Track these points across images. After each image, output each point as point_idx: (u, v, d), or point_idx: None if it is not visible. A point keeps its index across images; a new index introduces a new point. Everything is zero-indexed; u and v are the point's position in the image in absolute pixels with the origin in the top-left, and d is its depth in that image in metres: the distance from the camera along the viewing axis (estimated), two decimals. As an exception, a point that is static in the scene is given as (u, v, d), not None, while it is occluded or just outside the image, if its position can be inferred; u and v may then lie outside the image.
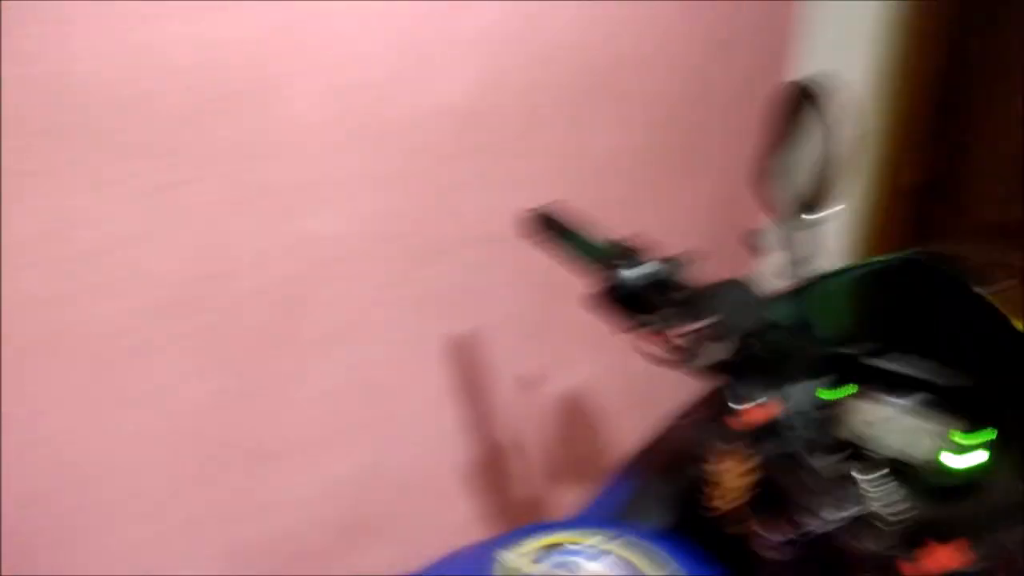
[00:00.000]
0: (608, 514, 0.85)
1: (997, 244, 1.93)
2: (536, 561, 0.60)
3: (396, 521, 1.39)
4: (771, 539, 0.67)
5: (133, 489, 1.06)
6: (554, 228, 0.96)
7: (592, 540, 0.62)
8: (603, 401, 1.73)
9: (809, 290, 0.89)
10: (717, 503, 0.74)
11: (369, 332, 1.27)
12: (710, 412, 0.92)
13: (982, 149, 1.97)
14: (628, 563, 0.60)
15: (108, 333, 0.99)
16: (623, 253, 0.86)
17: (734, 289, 0.75)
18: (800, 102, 0.83)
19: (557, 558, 0.60)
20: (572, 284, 1.56)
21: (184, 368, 1.07)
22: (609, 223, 0.94)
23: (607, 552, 0.61)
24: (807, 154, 0.84)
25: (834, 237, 2.07)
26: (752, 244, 0.76)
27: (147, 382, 1.04)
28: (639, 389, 1.80)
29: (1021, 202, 1.93)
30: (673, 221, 1.81)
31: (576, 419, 1.68)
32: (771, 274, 0.84)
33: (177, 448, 1.09)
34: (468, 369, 1.43)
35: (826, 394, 0.84)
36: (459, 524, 1.51)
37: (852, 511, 0.62)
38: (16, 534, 0.95)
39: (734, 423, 0.72)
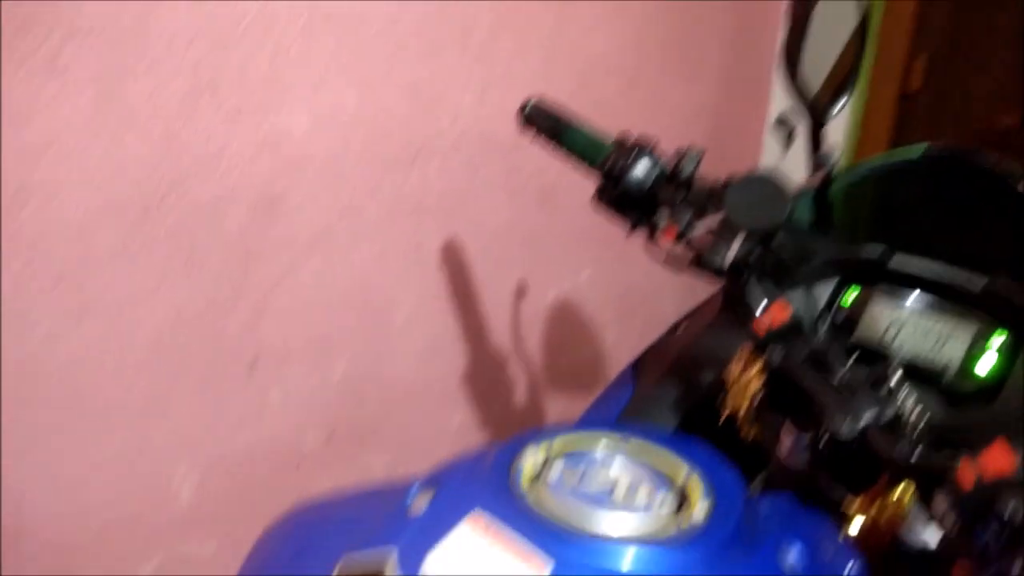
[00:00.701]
0: (612, 418, 0.82)
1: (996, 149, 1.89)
2: (553, 467, 0.56)
3: (389, 427, 1.36)
4: (789, 444, 0.64)
5: (121, 397, 1.02)
6: (552, 123, 0.88)
7: (604, 442, 0.58)
8: (599, 309, 1.69)
9: (829, 187, 0.84)
10: (728, 407, 0.71)
11: (354, 237, 1.21)
12: (720, 314, 0.88)
13: (983, 54, 1.91)
14: (645, 464, 0.57)
15: (77, 233, 0.92)
16: (628, 149, 0.80)
17: (750, 183, 0.69)
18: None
19: (575, 462, 0.56)
20: (565, 188, 1.51)
21: (163, 272, 1.01)
22: (600, 125, 0.88)
23: (623, 454, 0.57)
24: (829, 40, 0.77)
25: (837, 142, 2.02)
26: (779, 133, 0.69)
27: (125, 287, 0.98)
28: (636, 297, 1.77)
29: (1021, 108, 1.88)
30: (668, 124, 1.74)
31: (571, 327, 1.65)
32: (789, 169, 0.79)
33: (164, 354, 1.05)
34: (460, 275, 1.38)
35: (844, 296, 0.81)
36: (452, 430, 1.49)
37: (877, 415, 0.59)
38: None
39: (748, 325, 0.68)
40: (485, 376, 1.50)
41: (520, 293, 1.50)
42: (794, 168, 0.79)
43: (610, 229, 0.83)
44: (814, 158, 0.73)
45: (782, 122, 0.69)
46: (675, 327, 0.97)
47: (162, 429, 1.07)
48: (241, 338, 1.11)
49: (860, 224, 0.86)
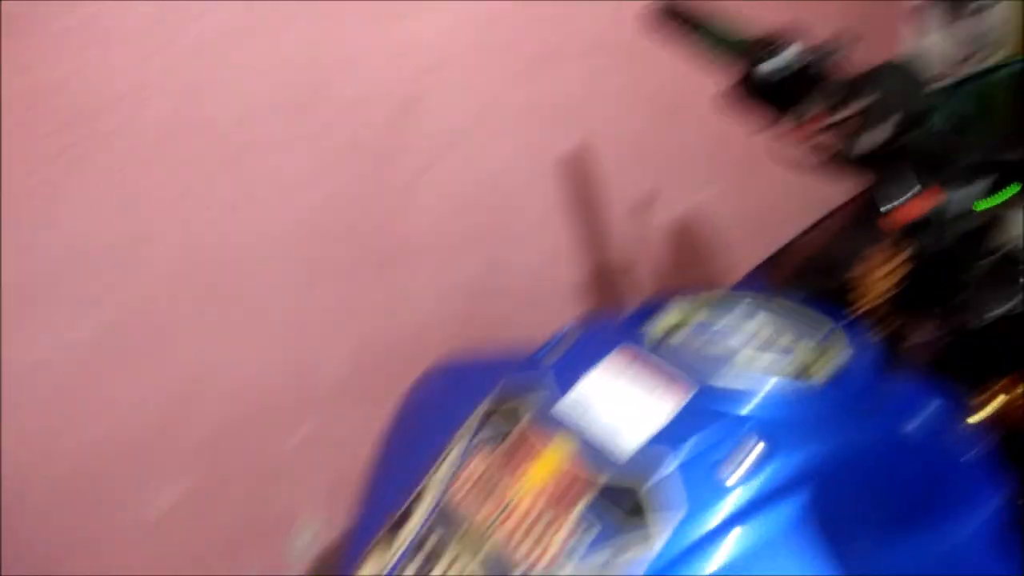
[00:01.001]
0: None
1: None
2: (679, 333, 0.58)
3: (509, 330, 1.41)
4: (920, 337, 0.64)
5: (273, 282, 1.11)
6: (683, 19, 0.87)
7: (748, 300, 0.60)
8: (726, 227, 1.67)
9: (971, 84, 0.79)
10: (858, 305, 0.70)
11: (481, 141, 1.24)
12: (855, 215, 0.86)
13: None
14: (787, 318, 0.58)
15: (228, 128, 1.00)
16: (762, 43, 0.78)
17: (892, 71, 0.66)
18: None
19: (701, 330, 0.58)
20: (698, 101, 1.46)
21: (305, 167, 1.08)
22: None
23: (766, 310, 0.59)
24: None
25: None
26: (914, 24, 0.66)
27: (278, 178, 1.06)
28: (765, 216, 1.72)
29: None
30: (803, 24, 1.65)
31: (696, 243, 1.64)
32: (931, 60, 0.75)
33: (312, 243, 1.12)
34: (587, 182, 1.40)
35: (983, 202, 0.77)
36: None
37: (1014, 305, 0.57)
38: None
39: (884, 222, 0.67)
40: (605, 285, 1.52)
41: (646, 205, 1.50)
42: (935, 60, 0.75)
43: (742, 146, 0.82)
44: (965, 44, 0.69)
45: (914, 14, 0.66)
46: (805, 232, 0.96)
47: (310, 313, 1.16)
48: (380, 231, 1.18)
49: (1002, 124, 0.81)
